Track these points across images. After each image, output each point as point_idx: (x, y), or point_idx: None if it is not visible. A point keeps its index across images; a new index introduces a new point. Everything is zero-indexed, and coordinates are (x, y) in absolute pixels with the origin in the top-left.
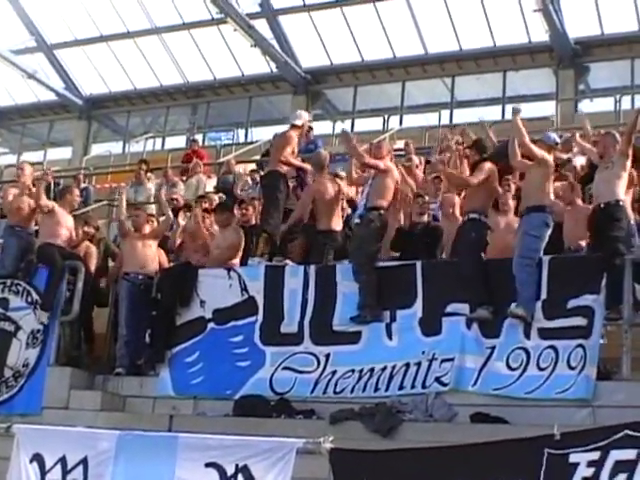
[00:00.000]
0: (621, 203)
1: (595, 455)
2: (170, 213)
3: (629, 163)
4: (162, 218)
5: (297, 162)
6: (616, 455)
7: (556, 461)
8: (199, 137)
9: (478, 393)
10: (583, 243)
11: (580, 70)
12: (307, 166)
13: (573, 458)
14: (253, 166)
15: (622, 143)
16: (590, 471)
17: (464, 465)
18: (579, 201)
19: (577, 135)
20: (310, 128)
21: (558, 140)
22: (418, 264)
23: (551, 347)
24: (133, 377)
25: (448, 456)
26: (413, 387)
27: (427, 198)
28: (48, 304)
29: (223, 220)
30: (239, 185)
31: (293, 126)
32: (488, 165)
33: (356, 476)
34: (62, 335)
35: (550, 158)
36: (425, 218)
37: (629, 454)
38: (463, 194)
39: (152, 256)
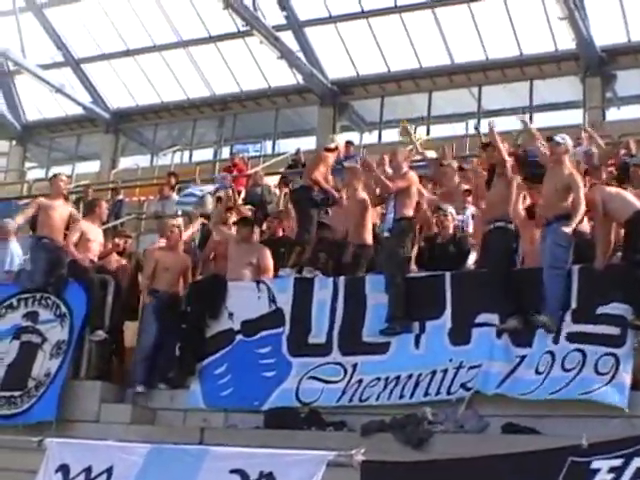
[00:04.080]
0: None
1: (618, 462)
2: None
3: None
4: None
5: (325, 185)
6: (639, 462)
7: (577, 468)
8: (226, 149)
9: (505, 398)
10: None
11: (607, 78)
12: (334, 192)
13: (595, 464)
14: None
15: None
16: (610, 477)
17: (491, 475)
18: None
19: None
20: (350, 143)
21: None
22: (447, 275)
23: (578, 350)
24: (163, 390)
25: (477, 467)
26: (438, 394)
27: (449, 209)
28: (96, 322)
29: (244, 234)
30: (267, 198)
31: (328, 149)
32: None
33: None
34: (92, 348)
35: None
36: (450, 230)
37: None
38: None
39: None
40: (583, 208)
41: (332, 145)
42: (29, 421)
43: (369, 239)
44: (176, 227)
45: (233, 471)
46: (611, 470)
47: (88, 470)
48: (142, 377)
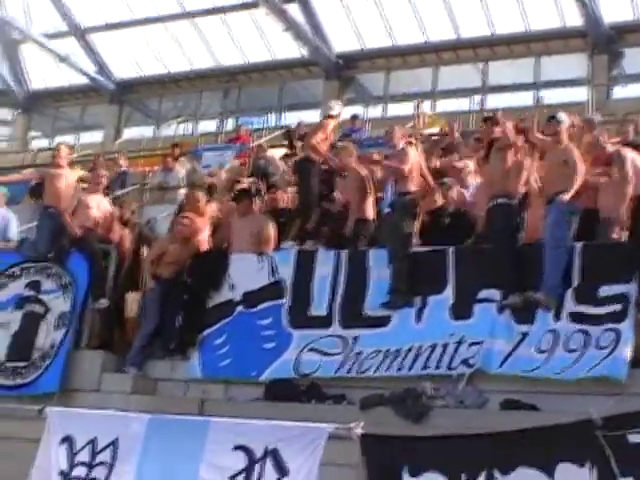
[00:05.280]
0: None
1: None
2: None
3: None
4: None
5: (324, 153)
6: None
7: (615, 442)
8: (230, 121)
9: (506, 375)
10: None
11: (614, 55)
12: (332, 159)
13: (632, 438)
14: (284, 150)
15: None
16: None
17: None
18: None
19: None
20: (356, 116)
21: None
22: (450, 250)
23: (581, 331)
24: (164, 360)
25: (478, 442)
26: (438, 368)
27: (449, 182)
28: (98, 292)
29: (241, 209)
30: (270, 170)
31: (329, 116)
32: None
33: (387, 461)
34: (94, 318)
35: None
36: (452, 204)
37: None
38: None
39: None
40: (580, 179)
41: (332, 112)
42: (35, 392)
43: (369, 214)
44: (189, 219)
45: (237, 447)
46: None
47: (93, 442)
48: (136, 360)
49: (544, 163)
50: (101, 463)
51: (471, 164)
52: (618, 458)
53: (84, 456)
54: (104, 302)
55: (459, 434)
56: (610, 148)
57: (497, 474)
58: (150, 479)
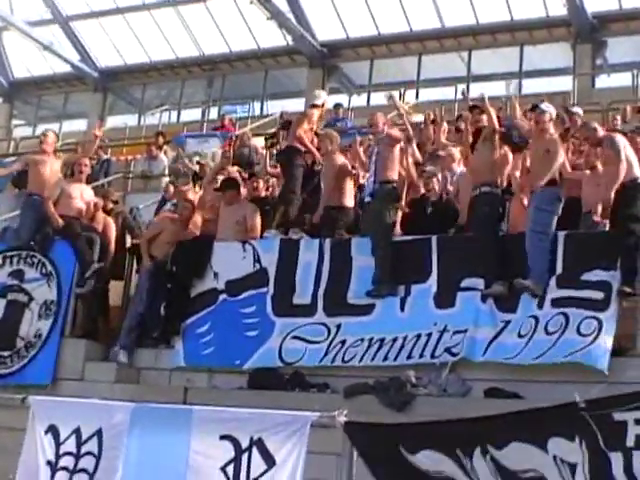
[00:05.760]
0: (639, 181)
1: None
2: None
3: None
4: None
5: (308, 144)
6: None
7: (601, 420)
8: (214, 110)
9: (489, 362)
10: (600, 208)
11: (598, 44)
12: (316, 152)
13: (617, 416)
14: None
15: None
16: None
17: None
18: (600, 166)
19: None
20: (339, 105)
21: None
22: (433, 238)
23: (561, 314)
24: (148, 349)
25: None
26: (422, 357)
27: (430, 171)
28: (83, 278)
29: (228, 198)
30: (254, 159)
31: (314, 105)
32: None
33: (373, 448)
34: (78, 307)
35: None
36: (435, 193)
37: None
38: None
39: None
40: (557, 166)
41: (317, 101)
42: (22, 382)
43: (347, 202)
44: (189, 203)
45: (223, 437)
46: (637, 422)
47: (77, 431)
48: (127, 343)
49: (529, 152)
50: (88, 453)
51: (456, 151)
52: (604, 434)
53: (70, 446)
54: (95, 266)
55: (445, 419)
56: (600, 132)
57: (491, 449)
58: (138, 468)
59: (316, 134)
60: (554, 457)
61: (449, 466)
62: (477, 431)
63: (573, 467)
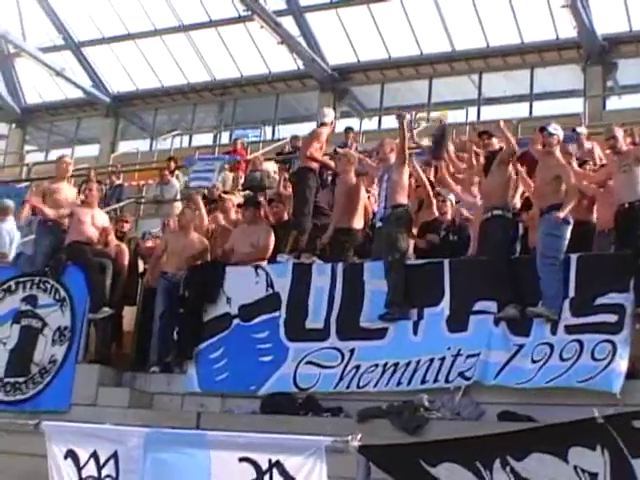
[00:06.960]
0: None
1: None
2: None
3: None
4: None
5: (322, 158)
6: None
7: (622, 428)
8: (225, 134)
9: (500, 386)
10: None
11: (608, 66)
12: (331, 164)
13: (637, 424)
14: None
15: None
16: None
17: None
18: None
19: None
20: (350, 129)
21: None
22: (446, 262)
23: (576, 340)
24: (161, 374)
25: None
26: (436, 381)
27: (444, 194)
28: (96, 304)
29: (248, 216)
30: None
31: (322, 124)
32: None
33: (393, 463)
34: (91, 333)
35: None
36: (448, 217)
37: None
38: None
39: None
40: (575, 196)
41: (326, 119)
42: (38, 408)
43: (356, 224)
44: (186, 209)
45: (242, 459)
46: None
47: (94, 455)
48: (157, 358)
49: (536, 174)
50: (107, 476)
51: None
52: (627, 443)
53: (91, 470)
54: (106, 310)
55: (463, 436)
56: (624, 147)
57: (511, 460)
58: None
59: (335, 152)
60: (575, 467)
61: (470, 479)
62: (496, 444)
63: (594, 476)
